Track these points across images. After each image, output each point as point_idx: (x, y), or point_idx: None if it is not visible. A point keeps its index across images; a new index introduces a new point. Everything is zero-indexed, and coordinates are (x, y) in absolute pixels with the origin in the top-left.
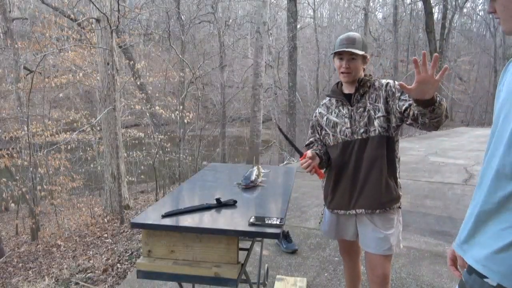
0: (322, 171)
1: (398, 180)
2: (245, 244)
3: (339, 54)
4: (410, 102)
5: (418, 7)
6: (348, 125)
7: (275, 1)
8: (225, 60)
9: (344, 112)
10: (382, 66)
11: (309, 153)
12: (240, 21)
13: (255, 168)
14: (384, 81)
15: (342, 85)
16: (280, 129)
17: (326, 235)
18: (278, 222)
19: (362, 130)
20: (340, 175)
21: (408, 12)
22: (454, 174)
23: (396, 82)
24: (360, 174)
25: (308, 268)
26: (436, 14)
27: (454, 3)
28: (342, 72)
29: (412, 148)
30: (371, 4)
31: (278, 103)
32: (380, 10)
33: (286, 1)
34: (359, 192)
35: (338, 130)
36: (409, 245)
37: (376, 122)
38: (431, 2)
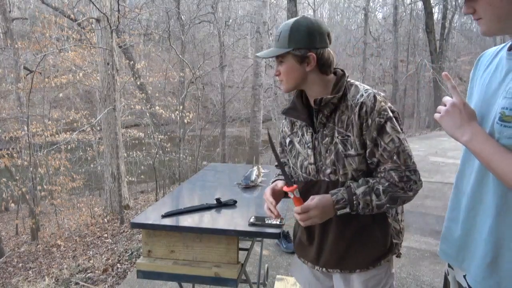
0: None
1: (394, 224)
2: (245, 244)
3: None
4: (385, 166)
5: (418, 7)
6: (312, 160)
7: (275, 1)
8: (225, 60)
9: (307, 139)
10: (382, 66)
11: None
12: (240, 21)
13: (255, 168)
14: (360, 96)
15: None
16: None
17: (300, 283)
18: (278, 222)
19: (329, 171)
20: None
21: (408, 12)
22: (454, 174)
23: (379, 103)
24: (331, 227)
25: None
26: (436, 14)
27: (454, 3)
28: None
29: (412, 148)
30: (371, 4)
31: (278, 103)
32: (380, 10)
33: (286, 1)
34: (329, 249)
35: (298, 164)
36: (409, 245)
37: (347, 163)
38: (431, 2)
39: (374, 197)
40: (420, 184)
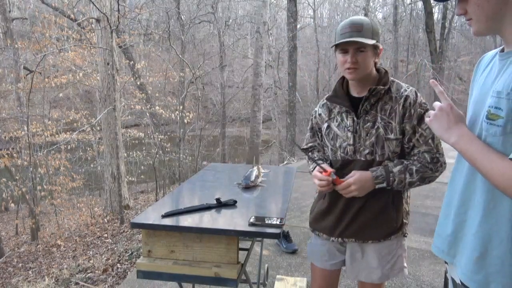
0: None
1: (405, 206)
2: (245, 244)
3: (342, 47)
4: (420, 149)
5: (418, 7)
6: (351, 142)
7: (275, 1)
8: (225, 60)
9: (348, 123)
10: (382, 66)
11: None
12: (240, 21)
13: (255, 168)
14: (404, 90)
15: (348, 83)
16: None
17: (315, 263)
18: (278, 222)
19: (367, 151)
20: (333, 196)
21: (408, 12)
22: None
23: (419, 97)
24: (355, 202)
25: (308, 268)
26: (436, 14)
27: (454, 3)
28: (348, 68)
29: None
30: (371, 4)
31: (278, 103)
32: (380, 10)
33: (286, 1)
34: (351, 219)
35: (337, 144)
36: (409, 245)
37: (386, 145)
38: (431, 2)
39: (408, 175)
40: (445, 166)
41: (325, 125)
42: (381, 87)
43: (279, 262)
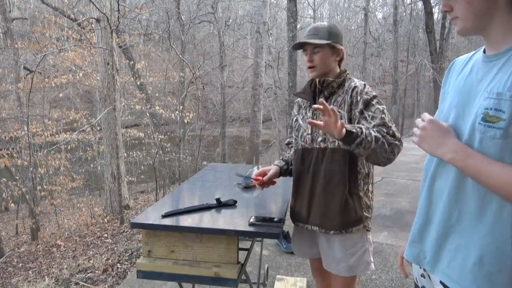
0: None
1: (364, 199)
2: (245, 244)
3: (303, 48)
4: (374, 123)
5: (418, 7)
6: (309, 131)
7: (275, 1)
8: (225, 60)
9: (309, 115)
10: (382, 66)
11: (259, 172)
12: (240, 21)
13: (255, 168)
14: (354, 83)
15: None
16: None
17: (297, 254)
18: (278, 222)
19: (320, 139)
20: (299, 185)
21: (408, 12)
22: None
23: (367, 88)
24: (317, 189)
25: (308, 268)
26: (436, 14)
27: None
28: (308, 67)
29: (413, 148)
30: (371, 4)
31: (278, 103)
32: (380, 10)
33: (286, 1)
34: (315, 208)
35: (299, 135)
36: None
37: None
38: (431, 2)
39: (373, 140)
40: (402, 144)
41: (295, 119)
42: (331, 79)
43: (279, 262)
